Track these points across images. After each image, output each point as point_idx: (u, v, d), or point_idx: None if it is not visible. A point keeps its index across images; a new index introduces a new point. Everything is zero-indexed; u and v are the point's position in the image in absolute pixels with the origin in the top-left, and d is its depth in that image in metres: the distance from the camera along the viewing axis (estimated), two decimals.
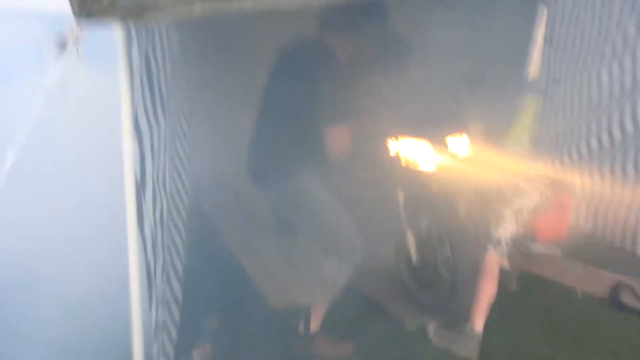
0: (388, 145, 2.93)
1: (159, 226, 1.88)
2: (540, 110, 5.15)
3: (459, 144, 3.02)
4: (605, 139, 4.46)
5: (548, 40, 4.95)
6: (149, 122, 1.77)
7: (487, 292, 2.99)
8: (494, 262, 3.07)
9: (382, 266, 3.29)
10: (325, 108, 2.53)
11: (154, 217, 1.81)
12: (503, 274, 3.41)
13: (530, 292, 3.52)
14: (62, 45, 1.42)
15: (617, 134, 4.33)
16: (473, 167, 3.05)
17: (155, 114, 1.88)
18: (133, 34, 1.55)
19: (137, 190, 1.59)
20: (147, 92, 1.78)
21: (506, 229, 3.11)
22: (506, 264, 3.11)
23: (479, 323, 2.93)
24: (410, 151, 2.93)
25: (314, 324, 2.79)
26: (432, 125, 2.97)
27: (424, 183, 2.99)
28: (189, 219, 2.85)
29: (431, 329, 3.01)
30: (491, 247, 3.04)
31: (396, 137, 2.93)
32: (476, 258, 3.02)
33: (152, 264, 1.71)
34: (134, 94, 1.58)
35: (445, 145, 3.00)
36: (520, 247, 3.42)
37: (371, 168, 2.85)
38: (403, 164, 2.93)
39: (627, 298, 3.44)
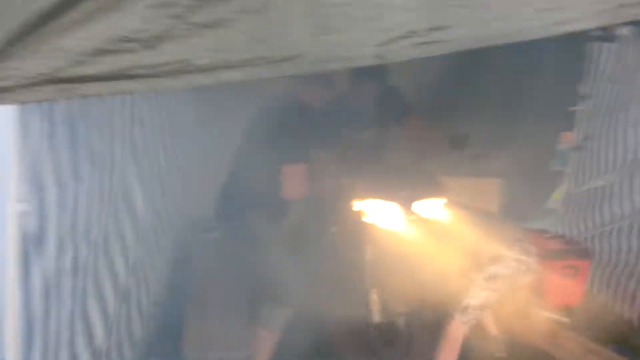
0: (357, 197, 2.93)
1: (70, 273, 2.03)
2: (572, 167, 4.95)
3: (433, 205, 2.96)
4: (626, 204, 4.20)
5: (586, 96, 4.76)
6: (59, 181, 1.93)
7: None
8: (456, 329, 2.96)
9: (348, 316, 3.25)
10: (282, 150, 2.64)
11: (58, 267, 1.96)
12: (492, 340, 3.30)
13: None
14: None
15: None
16: (445, 230, 2.98)
17: (76, 172, 2.04)
18: None
19: (25, 244, 1.75)
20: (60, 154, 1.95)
21: (476, 296, 3.00)
22: (470, 332, 2.99)
23: None
24: (380, 207, 2.90)
25: None
26: (406, 183, 2.95)
27: (391, 241, 2.95)
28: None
29: None
30: (455, 314, 2.93)
31: (366, 192, 2.92)
32: (437, 324, 2.92)
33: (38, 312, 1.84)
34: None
35: (419, 206, 2.94)
36: (516, 313, 3.29)
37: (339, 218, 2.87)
38: (371, 219, 2.91)
39: None
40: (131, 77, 1.30)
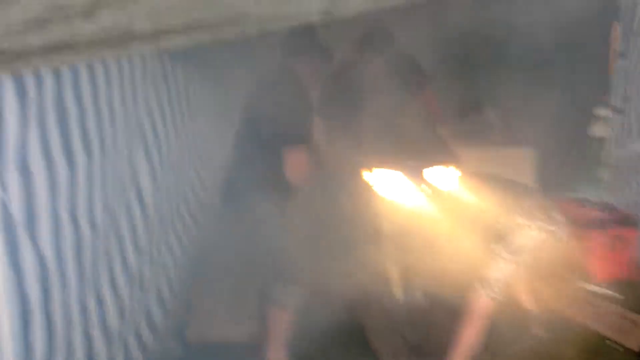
0: (368, 172, 2.85)
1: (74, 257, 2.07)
2: (613, 131, 4.68)
3: (446, 175, 2.84)
4: None
5: (623, 54, 4.47)
6: (49, 161, 1.96)
7: (467, 337, 2.76)
8: (481, 304, 2.83)
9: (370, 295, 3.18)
10: (285, 132, 2.60)
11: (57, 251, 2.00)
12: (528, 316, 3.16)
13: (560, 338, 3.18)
14: None
15: None
16: (460, 200, 2.86)
17: (69, 155, 2.06)
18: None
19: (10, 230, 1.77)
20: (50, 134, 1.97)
21: (500, 269, 2.86)
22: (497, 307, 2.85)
23: None
24: (390, 180, 2.81)
25: (277, 350, 2.79)
26: (417, 154, 2.85)
27: (405, 214, 2.86)
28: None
29: None
30: (478, 287, 2.81)
31: (376, 165, 2.84)
32: (459, 299, 2.80)
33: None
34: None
35: (430, 176, 2.83)
36: (552, 287, 3.15)
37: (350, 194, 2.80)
38: (381, 193, 2.83)
39: None
40: (71, 47, 1.28)
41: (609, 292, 3.81)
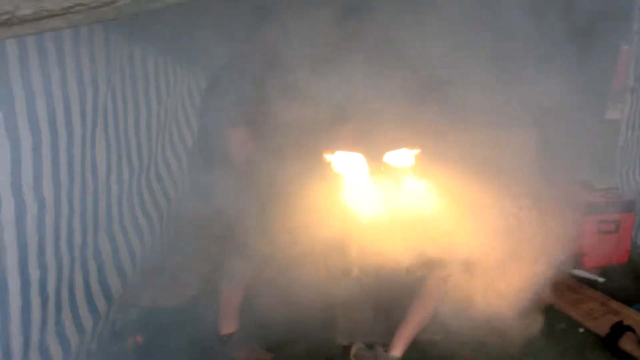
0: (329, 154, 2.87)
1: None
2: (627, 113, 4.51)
3: (407, 157, 2.84)
4: None
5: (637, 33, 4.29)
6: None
7: (416, 315, 2.81)
8: (432, 285, 2.86)
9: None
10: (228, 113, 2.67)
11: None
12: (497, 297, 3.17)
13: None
14: None
15: None
16: (420, 184, 2.87)
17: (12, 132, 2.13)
18: None
19: None
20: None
21: (457, 251, 2.87)
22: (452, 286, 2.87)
23: (397, 348, 2.76)
24: (350, 160, 2.83)
25: (229, 324, 2.91)
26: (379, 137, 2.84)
27: (363, 196, 2.87)
28: None
29: (355, 347, 2.90)
30: (433, 269, 2.84)
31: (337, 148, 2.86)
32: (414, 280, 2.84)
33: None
34: None
35: (391, 158, 2.84)
36: (524, 271, 3.13)
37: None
38: (341, 172, 2.85)
39: (626, 343, 2.95)
40: None
41: (596, 277, 3.74)
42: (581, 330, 3.17)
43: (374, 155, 2.79)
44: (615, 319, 3.10)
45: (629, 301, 3.37)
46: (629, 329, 2.98)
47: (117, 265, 2.93)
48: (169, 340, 2.90)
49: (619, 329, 2.99)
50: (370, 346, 2.85)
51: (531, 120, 4.38)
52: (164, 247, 3.31)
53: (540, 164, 4.11)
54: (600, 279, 3.77)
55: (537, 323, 3.00)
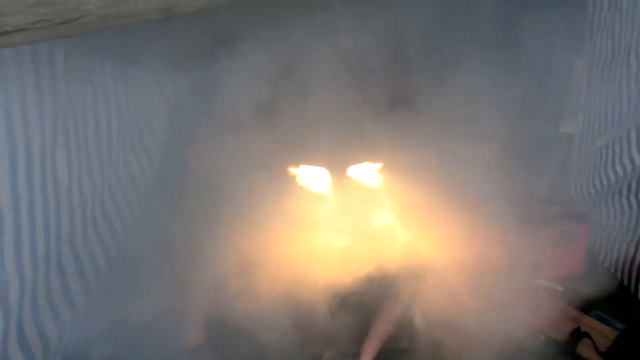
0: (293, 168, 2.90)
1: None
2: (579, 128, 4.69)
3: (369, 171, 2.89)
4: (627, 162, 3.92)
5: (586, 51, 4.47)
6: None
7: (382, 325, 2.84)
8: (395, 295, 2.90)
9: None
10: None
11: None
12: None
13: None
14: None
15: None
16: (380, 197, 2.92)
17: None
18: None
19: None
20: None
21: (418, 262, 2.92)
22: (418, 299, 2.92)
23: (366, 357, 2.79)
24: (312, 173, 2.87)
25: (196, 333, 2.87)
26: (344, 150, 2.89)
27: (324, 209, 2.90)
28: None
29: (325, 356, 2.92)
30: (395, 279, 2.88)
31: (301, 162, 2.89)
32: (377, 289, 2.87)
33: None
34: None
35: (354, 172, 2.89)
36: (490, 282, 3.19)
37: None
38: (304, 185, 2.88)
39: (584, 349, 3.05)
40: None
41: (555, 287, 3.85)
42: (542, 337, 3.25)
43: (338, 169, 2.83)
44: (573, 326, 3.20)
45: (585, 309, 3.47)
46: (586, 335, 3.08)
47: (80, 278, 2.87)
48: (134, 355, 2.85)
49: (577, 335, 3.09)
50: (341, 355, 2.87)
51: (491, 134, 4.52)
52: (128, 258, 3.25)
53: (499, 176, 4.23)
54: (559, 288, 3.88)
55: (500, 330, 3.06)
